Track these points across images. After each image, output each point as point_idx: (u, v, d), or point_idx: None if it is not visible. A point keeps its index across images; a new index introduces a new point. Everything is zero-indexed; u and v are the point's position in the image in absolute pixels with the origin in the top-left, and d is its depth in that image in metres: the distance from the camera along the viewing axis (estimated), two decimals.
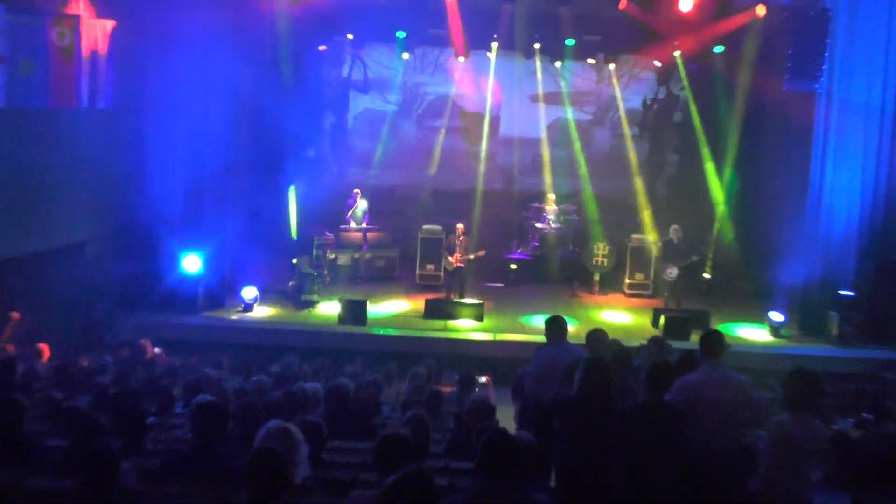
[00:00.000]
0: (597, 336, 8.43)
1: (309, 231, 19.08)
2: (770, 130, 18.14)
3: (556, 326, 8.58)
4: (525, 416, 8.56)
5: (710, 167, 19.12)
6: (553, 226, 19.40)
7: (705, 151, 19.22)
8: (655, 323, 15.66)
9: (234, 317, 15.57)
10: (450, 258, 16.79)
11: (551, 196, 19.74)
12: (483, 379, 11.18)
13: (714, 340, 6.93)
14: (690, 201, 20.36)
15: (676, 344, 13.79)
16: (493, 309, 16.70)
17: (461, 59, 19.98)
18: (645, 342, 10.33)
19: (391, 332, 15.08)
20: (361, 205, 19.15)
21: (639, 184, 20.93)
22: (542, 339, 8.94)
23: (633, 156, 21.30)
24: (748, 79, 17.60)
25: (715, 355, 6.84)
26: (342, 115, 21.82)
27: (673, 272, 16.49)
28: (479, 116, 21.91)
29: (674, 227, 16.71)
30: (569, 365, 7.24)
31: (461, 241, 16.81)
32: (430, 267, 18.30)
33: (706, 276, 18.51)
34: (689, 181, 20.93)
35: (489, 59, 20.38)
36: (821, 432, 5.95)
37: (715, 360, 6.82)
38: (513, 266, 19.16)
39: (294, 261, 17.45)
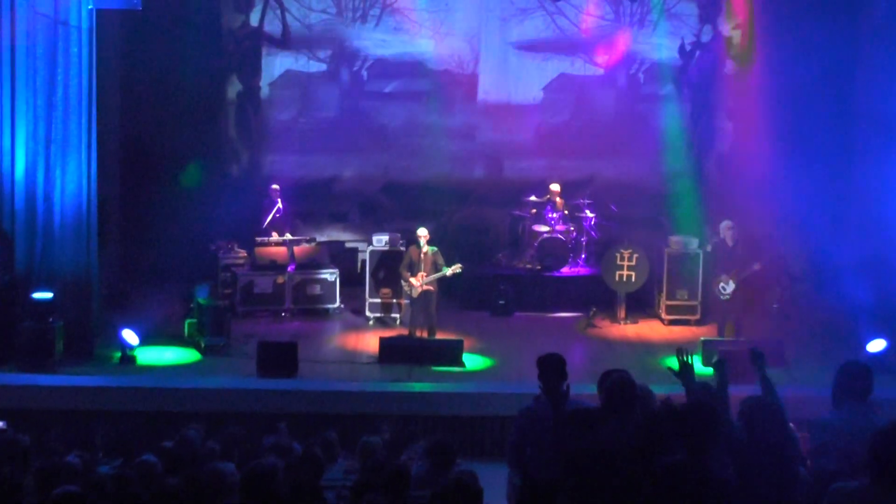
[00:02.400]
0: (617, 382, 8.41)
1: (210, 246, 19.07)
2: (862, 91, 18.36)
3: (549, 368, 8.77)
4: (526, 496, 8.62)
5: None
6: (558, 228, 19.48)
7: None
8: (707, 360, 15.74)
9: (109, 373, 15.52)
10: (412, 279, 16.83)
11: (555, 186, 19.81)
12: None
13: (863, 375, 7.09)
14: (751, 186, 20.51)
15: (736, 388, 13.90)
16: (476, 348, 16.76)
17: None
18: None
19: (332, 386, 15.09)
20: (283, 207, 19.16)
21: (677, 164, 21.06)
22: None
23: (668, 125, 21.41)
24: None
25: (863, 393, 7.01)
26: (252, 81, 21.83)
27: (728, 287, 16.60)
28: (448, 76, 21.99)
29: (726, 223, 16.81)
30: None
31: (426, 254, 16.85)
32: (386, 292, 18.33)
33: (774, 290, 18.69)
34: (750, 157, 21.06)
35: None
36: None
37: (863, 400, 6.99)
38: (501, 301, 19.26)
39: (193, 290, 17.44)
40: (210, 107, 21.11)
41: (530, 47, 21.94)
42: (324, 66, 22.01)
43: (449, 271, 16.83)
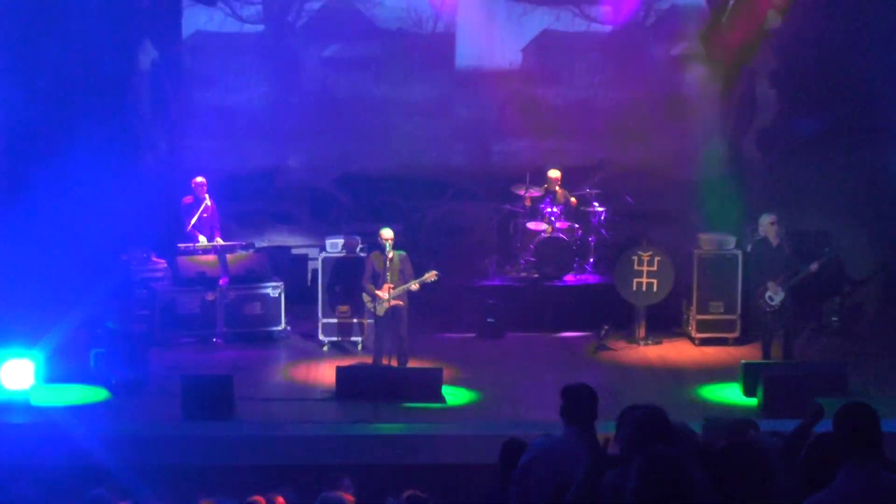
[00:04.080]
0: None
1: (121, 257, 19.05)
2: None
3: (575, 401, 8.71)
4: None
5: None
6: (560, 225, 19.52)
7: None
8: (750, 389, 15.79)
9: None
10: (378, 292, 16.84)
11: (554, 173, 19.85)
12: None
13: (866, 424, 6.99)
14: (801, 169, 20.61)
15: (786, 424, 13.99)
16: (458, 379, 16.81)
17: None
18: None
19: (278, 430, 15.12)
20: (212, 205, 19.15)
21: (708, 143, 21.16)
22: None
23: (696, 94, 21.51)
24: None
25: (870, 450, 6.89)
26: (170, 47, 21.83)
27: (776, 297, 16.66)
28: (417, 37, 22.03)
29: (769, 217, 16.84)
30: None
31: (392, 260, 16.85)
32: (344, 310, 18.35)
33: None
34: (800, 134, 21.15)
35: None
36: None
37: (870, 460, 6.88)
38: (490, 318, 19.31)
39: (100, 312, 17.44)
40: (116, 80, 20.99)
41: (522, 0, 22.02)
42: (260, 28, 22.00)
43: (415, 284, 16.80)
